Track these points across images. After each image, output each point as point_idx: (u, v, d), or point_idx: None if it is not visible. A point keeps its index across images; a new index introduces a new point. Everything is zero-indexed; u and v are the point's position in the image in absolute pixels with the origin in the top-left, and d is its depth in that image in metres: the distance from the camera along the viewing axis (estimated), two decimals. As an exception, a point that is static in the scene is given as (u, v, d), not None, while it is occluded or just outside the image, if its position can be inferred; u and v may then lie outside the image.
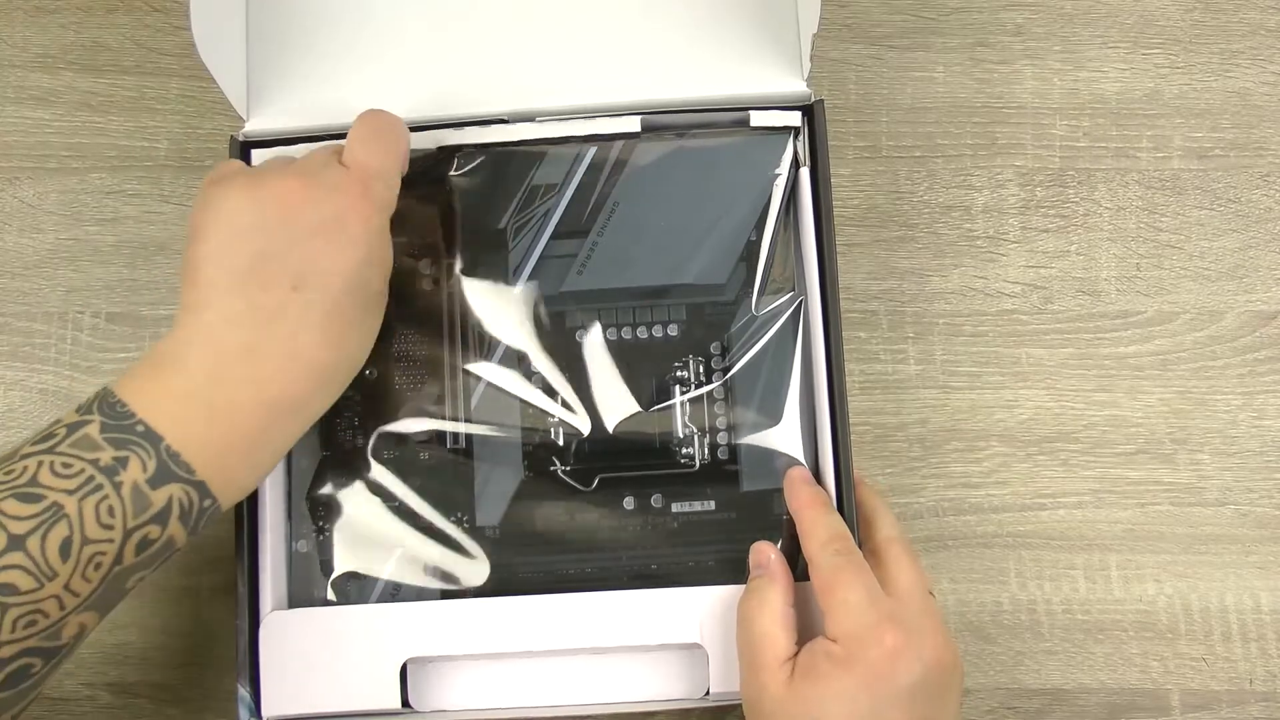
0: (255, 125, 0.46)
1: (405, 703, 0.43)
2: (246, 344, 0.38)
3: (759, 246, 0.46)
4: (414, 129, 0.45)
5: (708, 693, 0.43)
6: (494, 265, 0.46)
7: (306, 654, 0.43)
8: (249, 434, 0.38)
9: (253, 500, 0.44)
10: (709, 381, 0.45)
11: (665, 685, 0.44)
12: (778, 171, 0.46)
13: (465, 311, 0.46)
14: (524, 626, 0.43)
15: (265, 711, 0.43)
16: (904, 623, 0.39)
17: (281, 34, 0.47)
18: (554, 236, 0.46)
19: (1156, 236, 0.53)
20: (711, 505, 0.45)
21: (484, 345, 0.46)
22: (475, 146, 0.46)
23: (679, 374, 0.45)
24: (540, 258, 0.46)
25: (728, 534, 0.45)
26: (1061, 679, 0.50)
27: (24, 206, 0.53)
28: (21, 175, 0.54)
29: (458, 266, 0.46)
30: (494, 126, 0.46)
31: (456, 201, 0.46)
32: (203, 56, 0.44)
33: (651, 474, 0.45)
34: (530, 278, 0.46)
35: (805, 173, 0.45)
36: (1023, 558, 0.51)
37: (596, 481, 0.45)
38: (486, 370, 0.46)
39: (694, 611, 0.43)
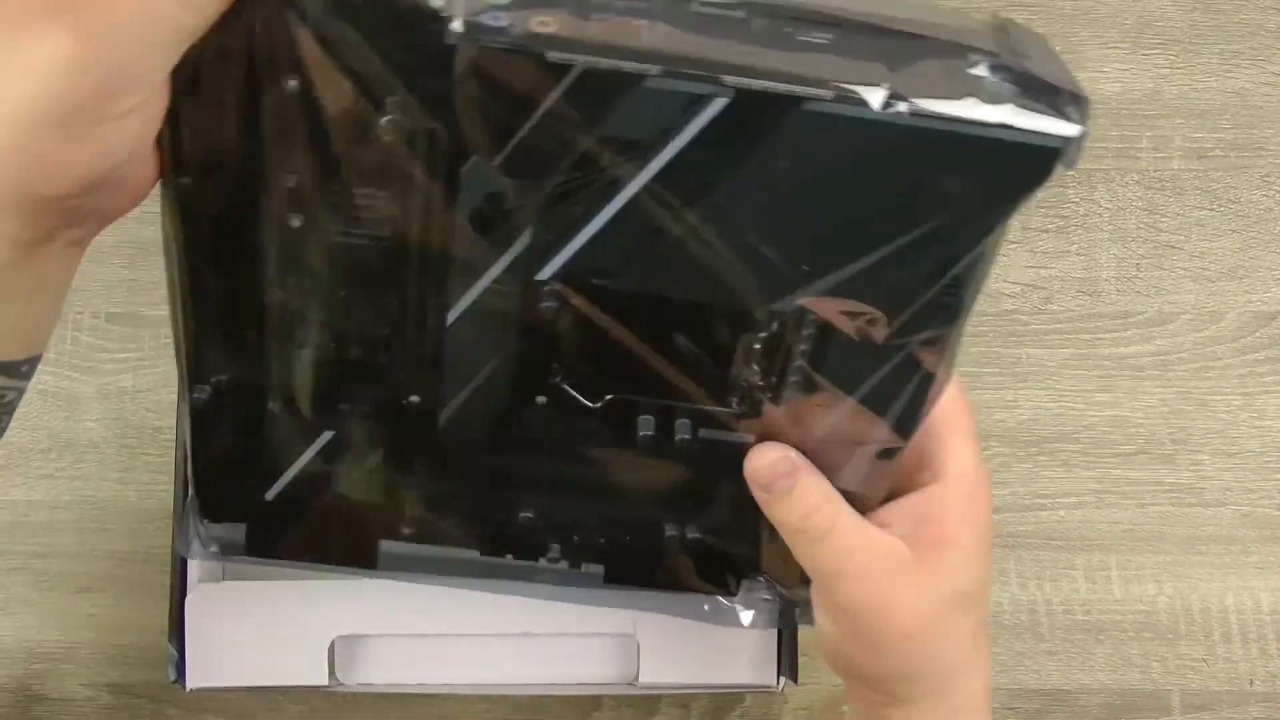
0: None
1: (335, 678, 0.43)
2: None
3: (943, 272, 0.30)
4: None
5: (636, 680, 0.43)
6: (510, 224, 0.31)
7: (234, 628, 0.43)
8: None
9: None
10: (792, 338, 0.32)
11: (592, 670, 0.44)
12: (1010, 199, 0.29)
13: (449, 258, 0.32)
14: (455, 608, 0.43)
15: (190, 682, 0.43)
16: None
17: None
18: (617, 216, 0.30)
19: (1156, 237, 0.53)
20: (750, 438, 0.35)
21: (471, 262, 0.32)
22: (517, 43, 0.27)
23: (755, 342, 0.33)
24: (586, 245, 0.31)
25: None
26: (1061, 679, 0.50)
27: (24, 207, 0.53)
28: (21, 175, 0.54)
29: (448, 204, 0.31)
30: None
31: (464, 111, 0.29)
32: None
33: (679, 404, 0.34)
34: (564, 267, 0.31)
35: None
36: (1023, 558, 0.51)
37: (608, 399, 0.34)
38: (477, 287, 0.32)
39: (627, 602, 0.41)
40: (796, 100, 0.27)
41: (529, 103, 0.28)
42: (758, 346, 0.33)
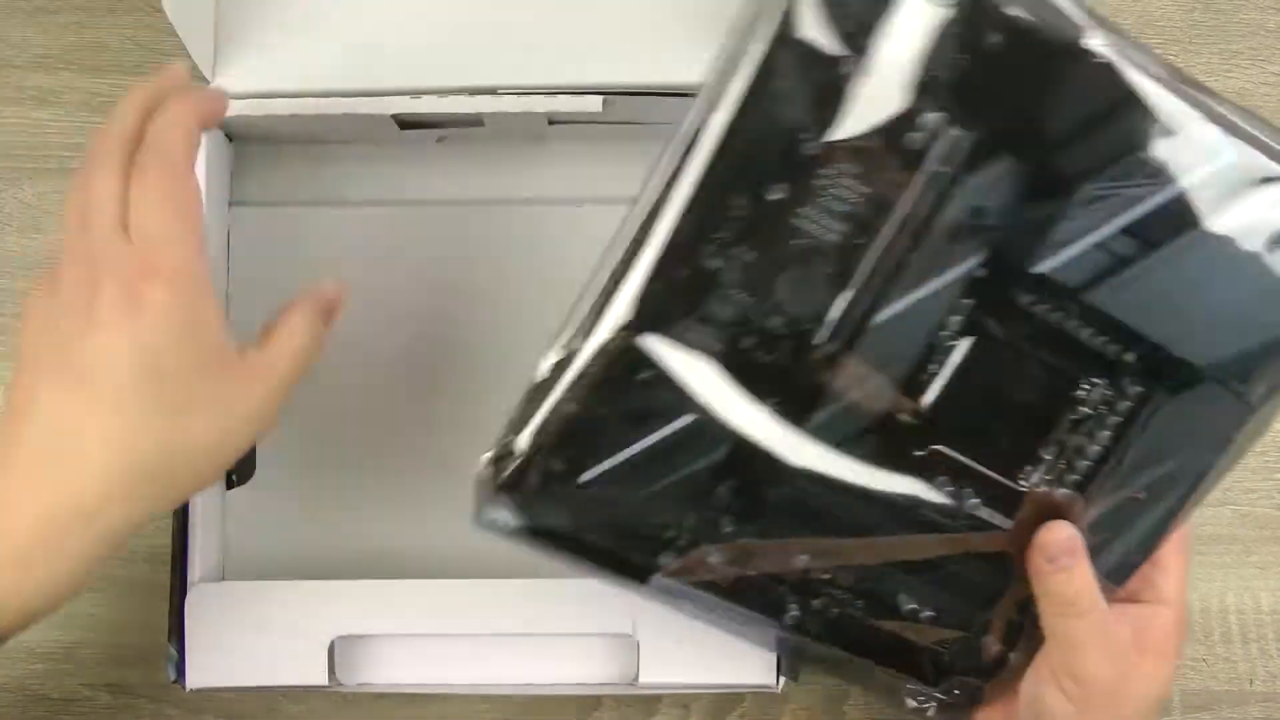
0: (218, 85, 0.46)
1: (335, 679, 0.44)
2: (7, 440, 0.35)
3: None
4: (370, 96, 0.46)
5: (636, 680, 0.43)
6: (1031, 218, 0.36)
7: (234, 627, 0.43)
8: (19, 549, 0.34)
9: None
10: (1109, 413, 0.38)
11: (593, 670, 0.44)
12: None
13: (936, 215, 0.35)
14: (455, 607, 0.43)
15: (190, 682, 0.44)
16: None
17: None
18: (1121, 231, 0.36)
19: (1156, 237, 0.53)
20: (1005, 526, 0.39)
21: (931, 258, 0.36)
22: (1119, 63, 0.35)
23: (1081, 391, 0.38)
24: (1090, 248, 0.36)
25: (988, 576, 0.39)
26: (1062, 679, 0.50)
27: (24, 207, 0.53)
28: (21, 175, 0.54)
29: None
30: (452, 98, 0.46)
31: (1030, 98, 0.35)
32: (170, 14, 0.43)
33: (981, 472, 0.38)
34: (1063, 264, 0.36)
35: None
36: (1023, 558, 0.51)
37: (928, 450, 0.38)
38: (920, 290, 0.36)
39: (626, 601, 0.42)
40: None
41: (1101, 113, 0.35)
42: (1069, 425, 0.38)
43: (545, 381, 0.36)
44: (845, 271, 0.36)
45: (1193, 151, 0.35)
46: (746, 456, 0.37)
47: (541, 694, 0.46)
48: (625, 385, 0.36)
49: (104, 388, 0.35)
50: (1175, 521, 0.39)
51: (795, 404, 0.37)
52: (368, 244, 0.49)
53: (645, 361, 0.36)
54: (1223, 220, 0.36)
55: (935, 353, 0.37)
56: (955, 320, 0.37)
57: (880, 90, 0.34)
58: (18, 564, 0.34)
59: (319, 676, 0.43)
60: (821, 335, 0.36)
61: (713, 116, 0.34)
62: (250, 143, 0.50)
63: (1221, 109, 0.36)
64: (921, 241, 0.36)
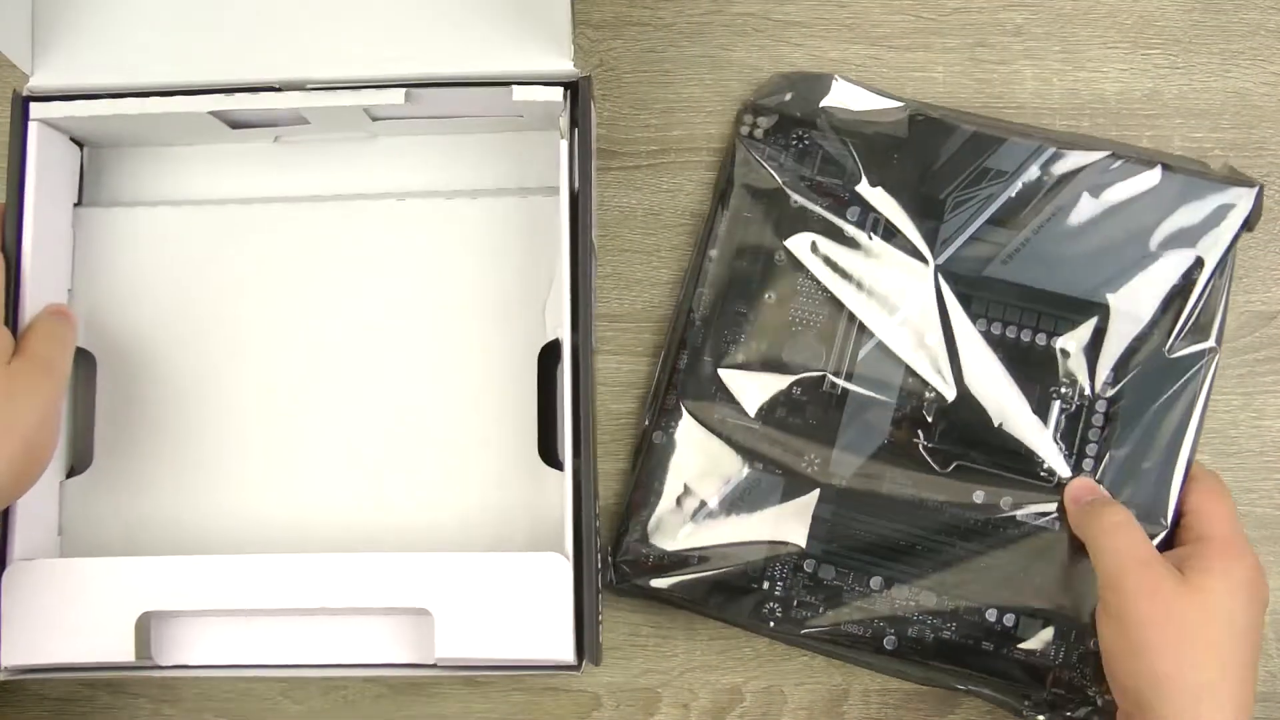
0: (40, 81, 0.47)
1: (145, 655, 0.44)
2: None
3: (1190, 288, 0.47)
4: (188, 94, 0.47)
5: (432, 657, 0.44)
6: (922, 230, 0.49)
7: (47, 605, 0.44)
8: None
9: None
10: (1092, 407, 0.47)
11: (394, 650, 0.45)
12: (1226, 225, 0.48)
13: (878, 265, 0.48)
14: (263, 584, 0.44)
15: (5, 660, 0.44)
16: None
17: None
18: (988, 222, 0.48)
19: (1156, 237, 0.53)
20: (1057, 524, 0.47)
21: (886, 303, 0.48)
22: (940, 116, 0.50)
23: (1063, 389, 0.47)
24: (969, 239, 0.48)
25: (1048, 562, 0.47)
26: (1061, 679, 0.50)
27: (24, 206, 0.53)
28: (21, 175, 0.54)
29: (880, 221, 0.49)
30: (265, 94, 0.47)
31: (899, 157, 0.49)
32: None
33: (1007, 476, 0.47)
34: (954, 255, 0.48)
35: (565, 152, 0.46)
36: (1022, 558, 0.51)
37: (953, 467, 0.47)
38: (882, 328, 0.48)
39: (429, 578, 0.43)
40: (1105, 159, 0.49)
41: (945, 146, 0.50)
42: (1061, 424, 0.47)
43: (638, 470, 0.48)
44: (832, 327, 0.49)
45: (1018, 156, 0.49)
46: (800, 488, 0.47)
47: (348, 675, 0.46)
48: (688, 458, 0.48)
49: None
50: (1177, 462, 0.47)
51: (824, 433, 0.48)
52: (206, 242, 0.50)
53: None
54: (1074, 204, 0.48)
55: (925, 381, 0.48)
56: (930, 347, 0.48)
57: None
58: None
59: (126, 654, 0.43)
60: (827, 380, 0.48)
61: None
62: (103, 148, 0.52)
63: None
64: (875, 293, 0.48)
